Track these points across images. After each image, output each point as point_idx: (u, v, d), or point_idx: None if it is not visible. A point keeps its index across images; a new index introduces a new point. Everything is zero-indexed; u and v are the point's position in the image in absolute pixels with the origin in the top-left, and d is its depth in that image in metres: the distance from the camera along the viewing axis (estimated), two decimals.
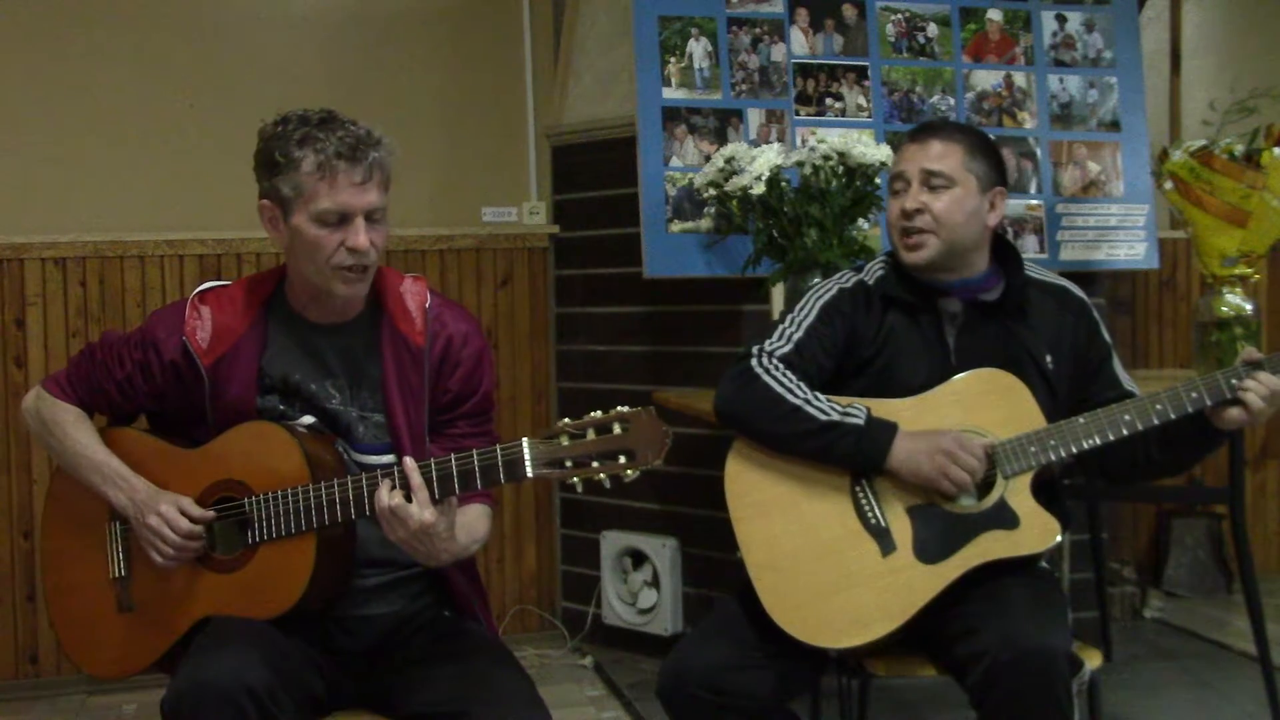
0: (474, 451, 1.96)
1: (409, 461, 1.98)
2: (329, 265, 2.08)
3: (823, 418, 2.27)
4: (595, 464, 1.90)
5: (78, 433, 2.20)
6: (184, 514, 2.09)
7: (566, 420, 1.92)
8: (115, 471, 2.15)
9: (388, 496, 1.98)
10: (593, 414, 1.92)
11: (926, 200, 2.37)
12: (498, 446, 1.94)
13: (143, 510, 2.11)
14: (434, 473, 1.98)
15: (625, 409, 1.91)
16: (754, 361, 2.34)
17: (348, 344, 2.19)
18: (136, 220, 3.89)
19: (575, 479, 1.91)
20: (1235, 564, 3.76)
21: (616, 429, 1.90)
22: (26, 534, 3.81)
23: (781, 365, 2.33)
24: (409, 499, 1.97)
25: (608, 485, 1.92)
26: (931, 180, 2.37)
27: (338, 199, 2.05)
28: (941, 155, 2.38)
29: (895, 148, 2.66)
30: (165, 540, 2.09)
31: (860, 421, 2.26)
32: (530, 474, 1.91)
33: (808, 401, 2.28)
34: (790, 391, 2.30)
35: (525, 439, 1.92)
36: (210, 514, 2.11)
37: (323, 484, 2.04)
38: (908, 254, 2.39)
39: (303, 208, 2.06)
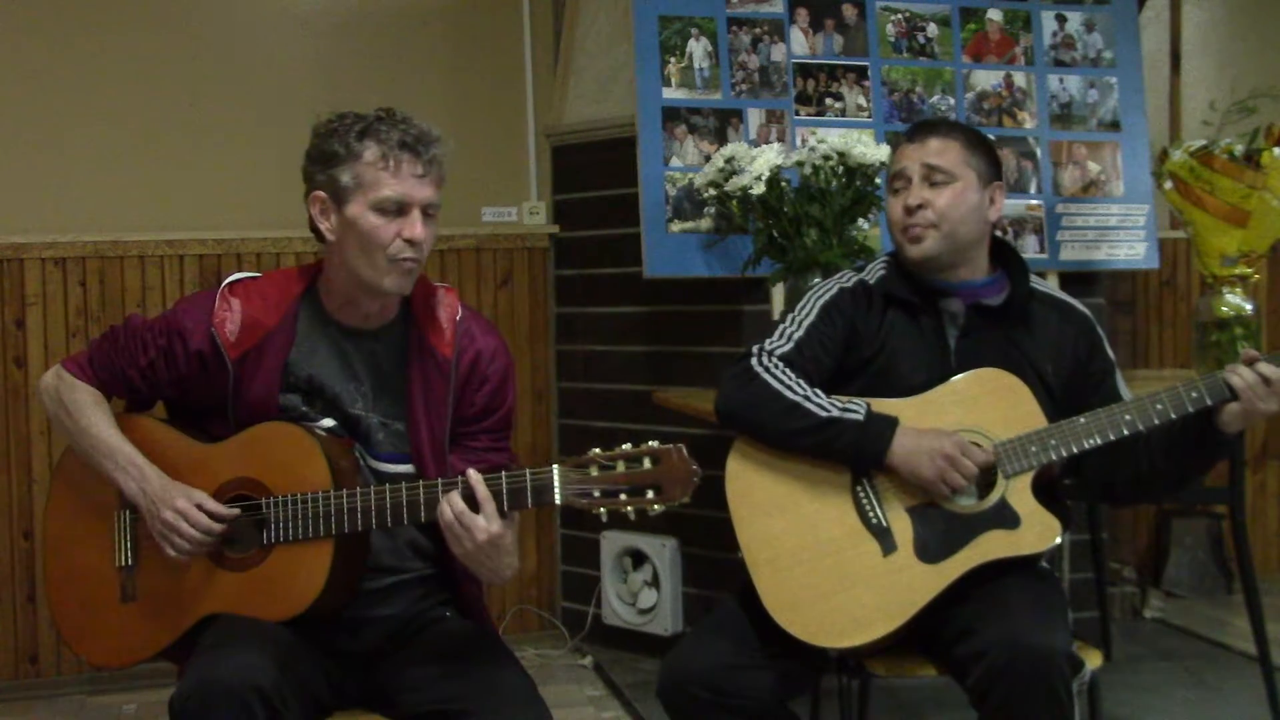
0: (503, 474, 1.96)
1: (474, 473, 1.97)
2: (384, 256, 2.07)
3: (823, 414, 2.26)
4: (623, 496, 1.91)
5: (94, 415, 2.17)
6: (203, 510, 2.07)
7: (597, 450, 1.93)
8: (128, 459, 2.13)
9: (452, 507, 1.96)
10: (624, 446, 1.93)
11: (929, 196, 2.36)
12: (527, 471, 1.95)
13: (156, 502, 2.09)
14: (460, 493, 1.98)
15: (656, 444, 1.92)
16: (754, 360, 2.34)
17: (376, 350, 2.19)
18: (136, 220, 3.88)
19: (601, 510, 1.92)
20: (1235, 564, 3.76)
21: (646, 463, 1.91)
22: (26, 534, 3.80)
23: (781, 363, 2.33)
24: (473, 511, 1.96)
25: (632, 518, 1.92)
26: (933, 176, 2.37)
27: (399, 188, 2.06)
28: (941, 151, 2.38)
29: (893, 148, 2.66)
30: (183, 535, 2.07)
31: (860, 417, 2.26)
32: (558, 501, 1.92)
33: (807, 398, 2.28)
34: (789, 388, 2.29)
35: (555, 466, 1.93)
36: (233, 511, 2.09)
37: (345, 491, 2.03)
38: (910, 247, 2.38)
39: (361, 197, 2.07)
